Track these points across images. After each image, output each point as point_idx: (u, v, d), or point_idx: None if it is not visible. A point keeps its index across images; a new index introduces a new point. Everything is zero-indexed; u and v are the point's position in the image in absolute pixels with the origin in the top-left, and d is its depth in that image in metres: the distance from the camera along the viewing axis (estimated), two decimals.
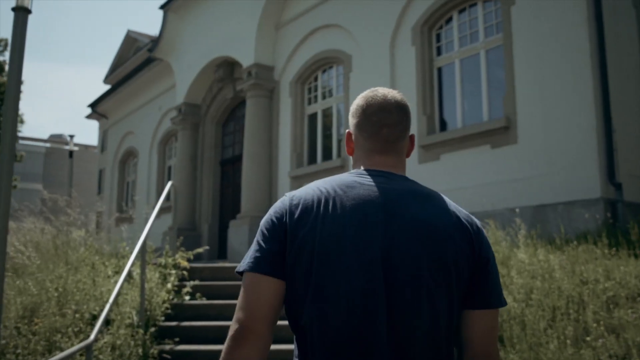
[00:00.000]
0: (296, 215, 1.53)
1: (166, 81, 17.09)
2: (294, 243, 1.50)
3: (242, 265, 1.54)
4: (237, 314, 1.49)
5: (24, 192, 30.44)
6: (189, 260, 7.50)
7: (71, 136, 20.55)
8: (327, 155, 11.44)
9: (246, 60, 12.72)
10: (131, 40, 23.12)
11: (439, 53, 9.44)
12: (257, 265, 1.51)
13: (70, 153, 20.33)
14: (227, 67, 14.01)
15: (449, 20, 9.30)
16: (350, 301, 1.45)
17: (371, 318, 1.44)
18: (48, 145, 43.96)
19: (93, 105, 20.88)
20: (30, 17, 4.34)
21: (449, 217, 1.56)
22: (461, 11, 9.14)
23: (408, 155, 1.74)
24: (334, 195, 1.54)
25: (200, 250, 8.04)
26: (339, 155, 10.99)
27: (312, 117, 11.98)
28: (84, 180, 32.96)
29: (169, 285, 6.49)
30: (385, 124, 1.66)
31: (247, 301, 1.49)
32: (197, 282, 6.86)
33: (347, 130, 1.75)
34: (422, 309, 1.46)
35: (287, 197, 1.60)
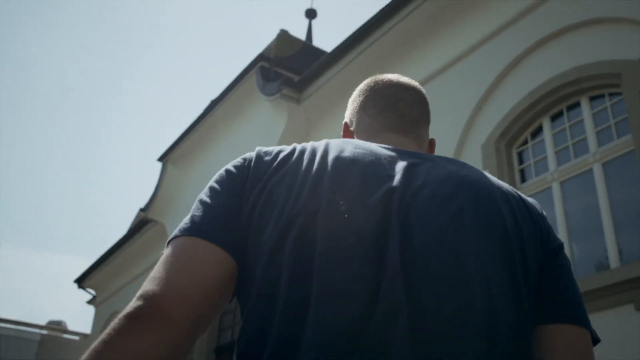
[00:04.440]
0: (267, 162, 0.97)
1: (160, 248, 14.28)
2: (260, 197, 0.91)
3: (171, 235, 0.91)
4: (146, 286, 0.82)
5: None
6: None
7: None
8: None
9: None
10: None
11: (523, 178, 6.54)
12: (195, 226, 0.88)
13: None
14: None
15: (538, 131, 6.54)
16: (345, 287, 0.82)
17: (386, 323, 0.80)
18: (44, 332, 40.32)
19: (79, 280, 17.88)
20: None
21: (504, 187, 1.02)
22: (555, 117, 6.39)
23: None
24: (326, 147, 0.99)
25: None
26: None
27: None
28: None
29: None
30: (401, 98, 1.17)
31: (169, 270, 0.82)
32: None
33: (344, 122, 1.23)
34: (475, 310, 0.84)
35: (256, 149, 1.03)
